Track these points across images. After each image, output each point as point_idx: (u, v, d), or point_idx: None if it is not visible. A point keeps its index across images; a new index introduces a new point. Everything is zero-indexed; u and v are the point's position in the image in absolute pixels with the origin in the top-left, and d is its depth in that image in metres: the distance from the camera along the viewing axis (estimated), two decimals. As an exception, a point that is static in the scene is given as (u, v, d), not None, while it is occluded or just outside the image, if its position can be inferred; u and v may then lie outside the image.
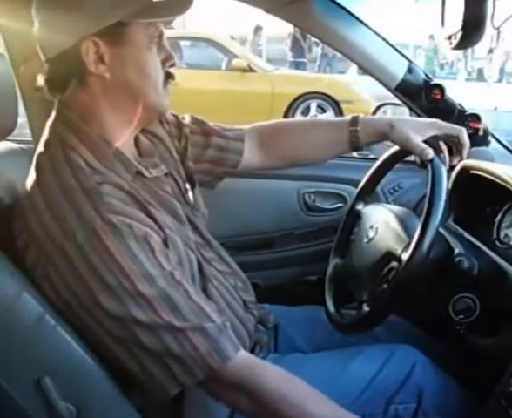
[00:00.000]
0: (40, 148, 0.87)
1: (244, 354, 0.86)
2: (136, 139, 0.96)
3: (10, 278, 0.79)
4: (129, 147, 0.92)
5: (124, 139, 0.89)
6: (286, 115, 5.98)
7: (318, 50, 11.16)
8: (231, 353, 0.82)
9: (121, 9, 0.82)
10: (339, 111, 6.04)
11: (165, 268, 0.80)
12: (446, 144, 1.06)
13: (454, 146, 1.07)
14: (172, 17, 0.91)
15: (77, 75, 0.85)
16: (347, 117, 1.14)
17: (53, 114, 0.89)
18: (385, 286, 1.02)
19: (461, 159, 1.07)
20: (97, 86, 0.85)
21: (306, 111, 6.15)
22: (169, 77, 0.91)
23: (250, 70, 6.07)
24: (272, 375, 0.86)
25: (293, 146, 1.18)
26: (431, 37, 11.62)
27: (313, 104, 6.18)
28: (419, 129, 1.05)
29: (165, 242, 0.84)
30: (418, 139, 1.03)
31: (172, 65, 0.90)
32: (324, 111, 6.16)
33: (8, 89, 0.92)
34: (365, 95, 6.14)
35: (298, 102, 6.12)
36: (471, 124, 1.47)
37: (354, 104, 5.93)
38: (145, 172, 0.91)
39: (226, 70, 6.24)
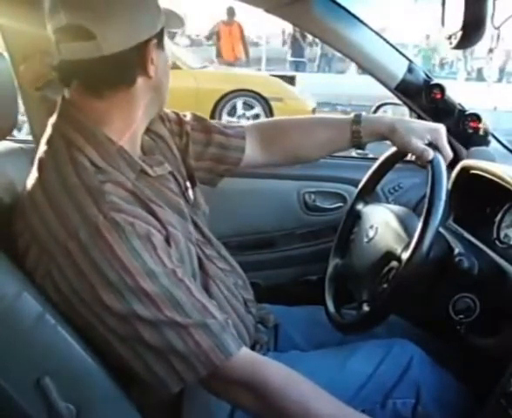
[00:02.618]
0: (42, 147, 0.87)
1: (246, 351, 0.86)
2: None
3: (10, 278, 0.79)
4: (135, 146, 0.92)
5: (132, 139, 0.90)
6: (212, 112, 5.99)
7: (317, 50, 11.17)
8: (233, 349, 0.82)
9: (162, 17, 0.90)
10: (268, 109, 6.05)
11: (167, 266, 0.81)
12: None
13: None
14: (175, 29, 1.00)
15: (129, 74, 0.86)
16: (350, 115, 1.14)
17: (56, 113, 0.89)
18: (385, 285, 1.02)
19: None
20: (143, 85, 0.87)
21: (232, 110, 6.15)
22: None
23: (175, 67, 5.92)
24: (275, 372, 0.85)
25: (295, 143, 1.19)
26: (427, 36, 11.64)
27: (240, 102, 6.17)
28: (419, 133, 1.05)
29: (168, 240, 0.84)
30: (418, 143, 1.04)
31: None
32: (252, 108, 6.14)
33: (8, 88, 0.92)
34: (296, 93, 6.19)
35: (225, 99, 6.11)
36: (471, 124, 1.47)
37: (284, 101, 5.97)
38: (149, 171, 0.91)
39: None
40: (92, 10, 0.80)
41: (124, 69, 0.85)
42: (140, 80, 0.87)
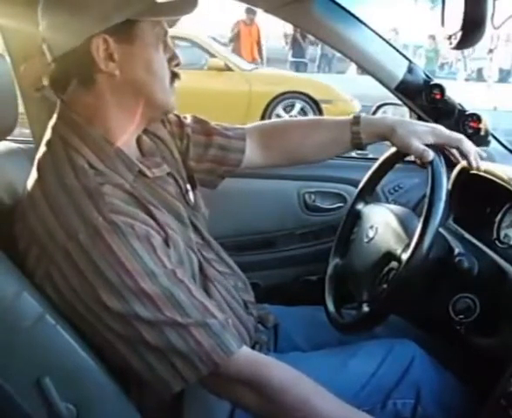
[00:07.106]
0: (42, 149, 0.87)
1: (247, 350, 0.86)
2: (138, 139, 0.96)
3: (10, 278, 0.79)
4: (131, 147, 0.92)
5: (127, 139, 0.89)
6: (264, 114, 5.96)
7: (317, 51, 11.19)
8: (234, 348, 0.83)
9: (128, 8, 0.83)
10: (318, 111, 6.01)
11: (167, 266, 0.81)
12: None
13: (460, 155, 1.07)
14: (179, 17, 0.93)
15: (85, 73, 0.85)
16: (349, 116, 1.14)
17: (55, 115, 0.89)
18: (385, 286, 1.02)
19: (471, 167, 1.06)
20: (106, 84, 0.85)
21: (288, 110, 6.09)
22: (175, 76, 0.92)
23: (227, 69, 6.00)
24: (277, 370, 0.85)
25: (295, 145, 1.19)
26: (432, 37, 11.61)
27: (296, 104, 6.13)
28: (420, 135, 1.05)
29: (166, 242, 0.84)
30: (418, 144, 1.04)
31: (177, 65, 0.92)
32: (304, 111, 6.09)
33: (8, 89, 0.92)
34: (345, 95, 6.16)
35: (276, 101, 6.07)
36: (471, 124, 1.47)
37: (334, 103, 5.95)
38: (147, 172, 0.91)
39: (204, 69, 6.13)
40: (44, 17, 0.85)
41: (77, 69, 0.85)
42: (101, 79, 0.85)
